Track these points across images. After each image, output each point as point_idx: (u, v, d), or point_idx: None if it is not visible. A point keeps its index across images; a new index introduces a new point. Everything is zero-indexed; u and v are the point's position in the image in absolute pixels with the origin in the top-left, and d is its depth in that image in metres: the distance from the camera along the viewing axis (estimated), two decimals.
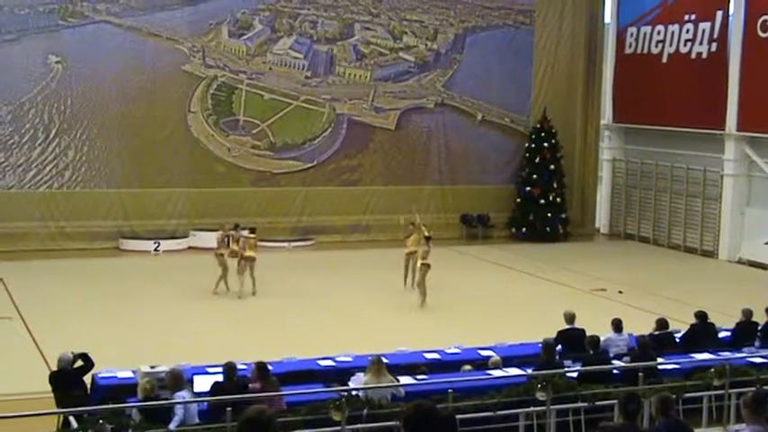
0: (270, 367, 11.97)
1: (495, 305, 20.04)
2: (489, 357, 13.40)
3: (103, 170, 26.54)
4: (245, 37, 27.88)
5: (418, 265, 19.75)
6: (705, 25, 27.51)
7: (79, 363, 12.09)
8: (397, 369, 12.41)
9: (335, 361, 13.41)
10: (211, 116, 27.71)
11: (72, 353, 12.04)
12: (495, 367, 12.96)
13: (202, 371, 12.28)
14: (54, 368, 12.11)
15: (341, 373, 12.51)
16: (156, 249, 26.35)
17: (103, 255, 25.15)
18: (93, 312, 18.74)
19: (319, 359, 13.50)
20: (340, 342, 15.24)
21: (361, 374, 11.91)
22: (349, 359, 13.42)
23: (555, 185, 29.29)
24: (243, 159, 27.97)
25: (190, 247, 25.96)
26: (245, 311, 19.14)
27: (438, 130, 29.89)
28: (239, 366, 12.00)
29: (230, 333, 17.28)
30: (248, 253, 20.11)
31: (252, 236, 20.59)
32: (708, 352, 14.14)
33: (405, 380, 12.12)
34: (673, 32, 28.53)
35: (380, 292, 20.69)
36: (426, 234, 20.14)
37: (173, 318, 18.45)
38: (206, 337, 16.80)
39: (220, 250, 20.56)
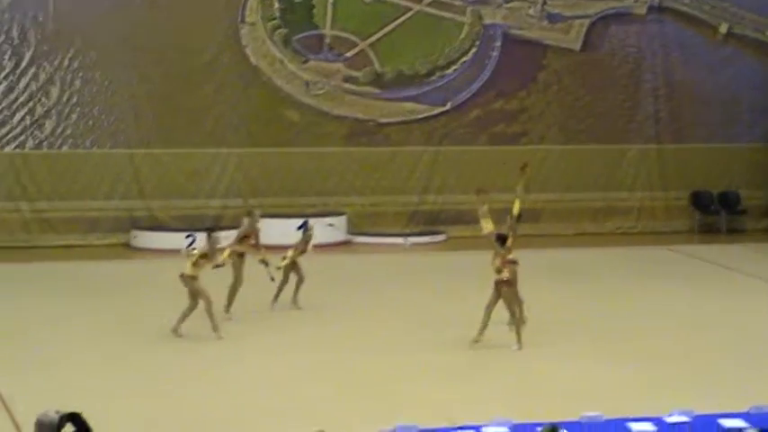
0: None
1: (748, 345, 19.27)
2: (740, 430, 13.27)
3: (106, 120, 27.32)
4: None
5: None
6: None
7: (69, 428, 12.60)
8: None
9: None
10: (279, 30, 28.26)
11: (57, 413, 12.48)
12: None
13: None
14: None
15: None
16: (190, 246, 26.77)
17: (105, 255, 26.05)
18: (89, 351, 18.40)
19: (455, 430, 13.64)
20: (489, 402, 15.25)
21: None
22: (503, 431, 13.42)
23: None
24: (330, 100, 28.44)
25: None
26: (333, 355, 18.60)
27: (653, 51, 29.80)
28: None
29: (311, 388, 16.59)
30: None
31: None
32: None
33: None
34: None
35: (553, 323, 20.70)
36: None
37: (217, 364, 17.83)
38: (271, 395, 16.20)
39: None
